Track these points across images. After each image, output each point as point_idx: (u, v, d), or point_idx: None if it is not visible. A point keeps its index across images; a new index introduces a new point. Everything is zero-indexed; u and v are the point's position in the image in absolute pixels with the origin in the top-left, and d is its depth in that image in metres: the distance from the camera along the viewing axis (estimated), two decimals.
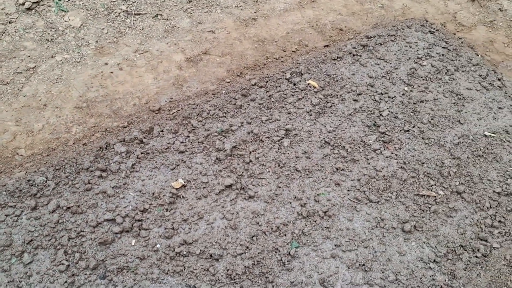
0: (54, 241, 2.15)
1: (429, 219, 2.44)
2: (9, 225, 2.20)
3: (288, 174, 2.54)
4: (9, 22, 3.03)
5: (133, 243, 2.17)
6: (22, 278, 2.04)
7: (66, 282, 2.03)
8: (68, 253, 2.11)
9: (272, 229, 2.30)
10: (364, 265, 2.22)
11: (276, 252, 2.22)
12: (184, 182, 2.42)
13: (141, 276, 2.07)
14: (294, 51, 3.34)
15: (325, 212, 2.39)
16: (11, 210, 2.25)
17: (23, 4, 3.08)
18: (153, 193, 2.36)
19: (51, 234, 2.17)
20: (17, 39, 2.98)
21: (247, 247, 2.22)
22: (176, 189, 2.39)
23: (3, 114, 2.64)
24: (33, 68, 2.86)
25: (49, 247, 2.13)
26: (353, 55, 3.25)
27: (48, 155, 2.52)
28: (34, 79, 2.81)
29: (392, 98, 3.01)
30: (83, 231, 2.19)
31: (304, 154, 2.64)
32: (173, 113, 2.77)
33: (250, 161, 2.58)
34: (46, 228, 2.18)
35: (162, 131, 2.65)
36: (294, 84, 3.00)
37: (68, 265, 2.07)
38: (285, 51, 3.32)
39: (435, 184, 2.59)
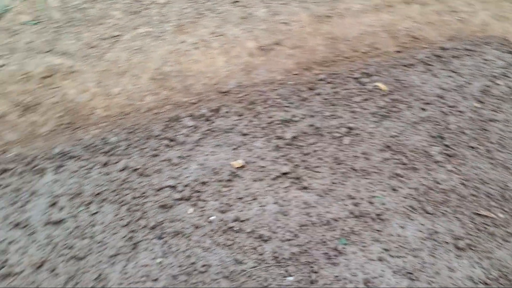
0: (119, 197, 2.31)
1: (485, 240, 2.37)
2: (81, 176, 2.39)
3: (344, 172, 2.56)
4: None
5: (190, 211, 2.29)
6: (87, 226, 2.21)
7: (125, 236, 2.17)
8: (130, 210, 2.26)
9: (322, 221, 2.33)
10: (411, 273, 2.20)
11: (323, 244, 2.25)
12: (244, 163, 2.51)
13: (194, 243, 2.18)
14: (364, 53, 3.33)
15: (378, 215, 2.38)
16: (84, 163, 2.44)
17: None
18: (213, 169, 2.46)
19: (117, 191, 2.33)
20: (106, 8, 3.19)
21: (296, 235, 2.27)
22: (235, 168, 2.48)
23: (86, 75, 2.85)
24: (117, 36, 3.05)
25: (114, 202, 2.29)
26: (426, 64, 3.19)
27: (121, 118, 2.70)
28: (117, 47, 3.00)
29: (462, 112, 2.93)
30: (146, 193, 2.33)
31: (363, 154, 2.64)
32: (240, 97, 2.86)
33: (308, 153, 2.62)
34: (113, 185, 2.35)
35: (228, 112, 2.75)
36: (362, 84, 3.00)
37: (129, 221, 2.22)
38: (355, 51, 3.32)
39: (496, 206, 2.51)
